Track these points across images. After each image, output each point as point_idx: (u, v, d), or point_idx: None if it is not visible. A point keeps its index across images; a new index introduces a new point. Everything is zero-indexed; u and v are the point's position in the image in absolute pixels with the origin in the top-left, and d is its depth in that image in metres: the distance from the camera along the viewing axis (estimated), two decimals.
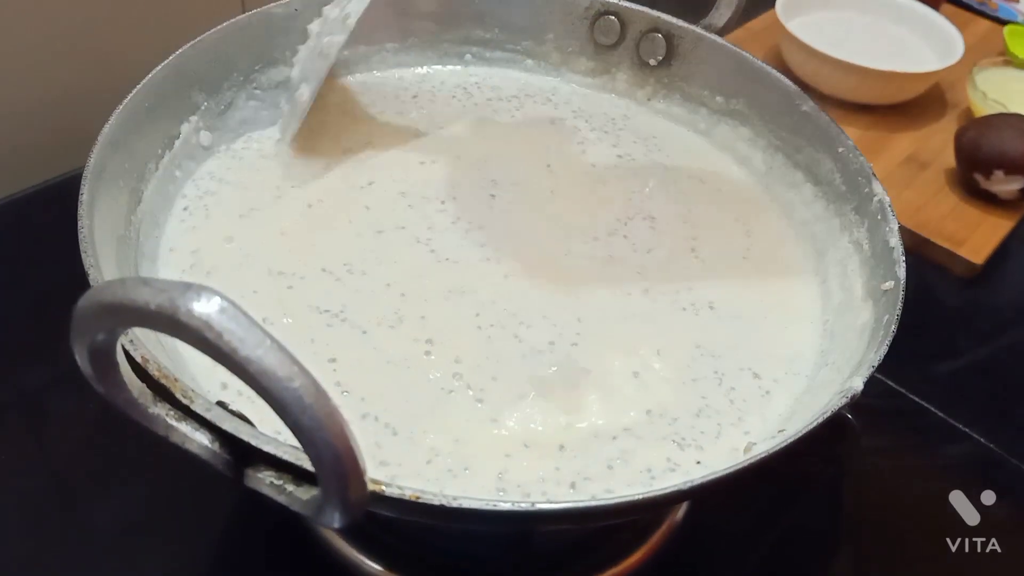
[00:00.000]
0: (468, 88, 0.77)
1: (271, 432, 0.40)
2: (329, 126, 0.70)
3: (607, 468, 0.50)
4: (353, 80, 0.75)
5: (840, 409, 0.46)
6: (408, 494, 0.38)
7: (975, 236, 0.97)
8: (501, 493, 0.48)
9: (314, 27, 0.68)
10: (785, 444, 0.44)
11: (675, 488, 0.42)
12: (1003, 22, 1.30)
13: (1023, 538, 0.69)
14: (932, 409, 0.78)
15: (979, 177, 0.99)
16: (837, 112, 0.67)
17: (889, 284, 0.55)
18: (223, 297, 0.29)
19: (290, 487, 0.39)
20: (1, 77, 0.83)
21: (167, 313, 0.28)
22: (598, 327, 0.58)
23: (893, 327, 0.51)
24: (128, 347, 0.40)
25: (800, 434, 0.44)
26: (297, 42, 0.69)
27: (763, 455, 0.43)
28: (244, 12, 0.66)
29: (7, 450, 0.65)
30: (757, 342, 0.59)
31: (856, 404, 0.47)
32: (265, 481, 0.39)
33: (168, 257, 0.58)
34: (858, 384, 0.48)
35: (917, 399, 0.78)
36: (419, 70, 0.77)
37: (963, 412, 0.78)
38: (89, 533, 0.62)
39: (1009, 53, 1.18)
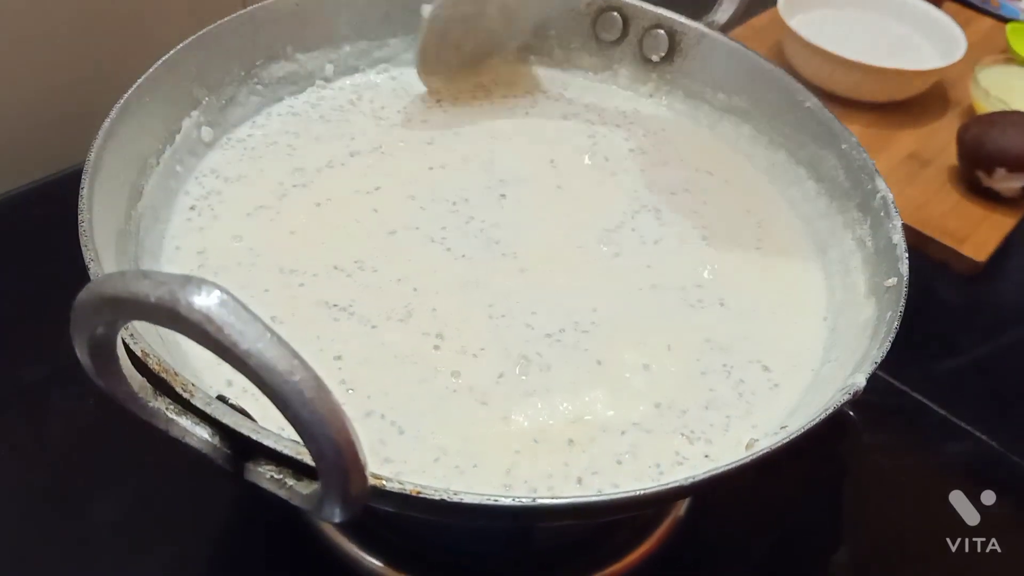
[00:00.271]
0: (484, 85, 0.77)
1: (275, 428, 0.40)
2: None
3: (616, 463, 0.50)
4: (355, 81, 0.75)
5: (843, 405, 0.46)
6: (409, 488, 0.38)
7: (977, 234, 0.97)
8: (507, 489, 0.48)
9: None
10: (787, 440, 0.44)
11: (676, 484, 0.42)
12: (1005, 20, 1.30)
13: (1023, 538, 0.68)
14: (933, 407, 0.78)
15: (981, 175, 0.99)
16: (839, 109, 0.67)
17: (892, 281, 0.55)
18: (223, 290, 0.29)
19: (290, 481, 0.38)
20: (1, 73, 0.82)
21: (167, 306, 0.28)
22: (609, 320, 0.58)
23: (896, 324, 0.51)
24: (128, 341, 0.40)
25: (803, 430, 0.44)
26: (297, 37, 0.69)
27: (765, 451, 0.43)
28: (245, 7, 0.66)
29: (6, 446, 0.65)
30: (767, 335, 0.59)
31: (857, 401, 0.47)
32: (265, 475, 0.39)
33: (174, 255, 0.58)
34: (861, 380, 0.47)
35: (918, 396, 0.78)
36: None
37: (964, 410, 0.78)
38: (88, 529, 0.61)
39: (1011, 51, 1.18)
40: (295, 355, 0.30)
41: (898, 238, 0.57)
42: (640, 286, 0.61)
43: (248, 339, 0.29)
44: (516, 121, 0.74)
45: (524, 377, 0.54)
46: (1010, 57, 1.16)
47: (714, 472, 0.42)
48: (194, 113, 0.63)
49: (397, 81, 0.75)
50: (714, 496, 0.67)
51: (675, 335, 0.58)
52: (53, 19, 0.83)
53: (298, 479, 0.38)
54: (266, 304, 0.55)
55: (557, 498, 0.45)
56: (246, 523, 0.64)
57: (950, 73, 1.13)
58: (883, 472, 0.74)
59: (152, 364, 0.40)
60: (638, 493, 0.41)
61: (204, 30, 0.63)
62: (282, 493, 0.38)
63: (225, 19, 0.64)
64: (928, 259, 0.95)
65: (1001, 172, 0.97)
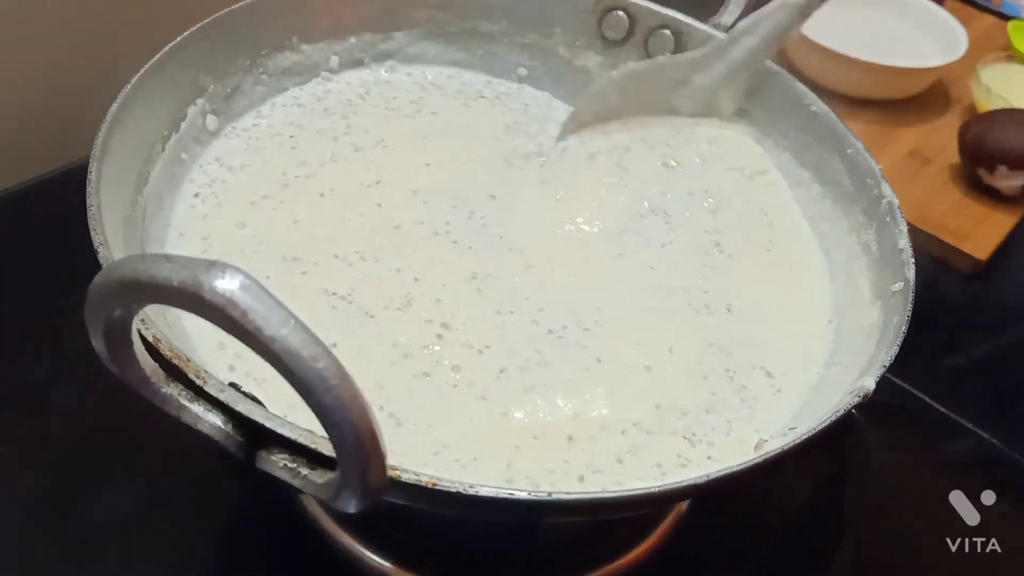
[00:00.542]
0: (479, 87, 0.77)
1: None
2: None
3: (616, 462, 0.50)
4: (362, 76, 0.74)
5: (852, 408, 0.46)
6: (424, 480, 0.38)
7: (978, 232, 0.97)
8: (510, 483, 0.48)
9: None
10: (798, 442, 0.44)
11: (691, 482, 0.42)
12: (1007, 17, 1.30)
13: (1023, 538, 0.68)
14: (935, 405, 0.78)
15: (983, 172, 0.99)
16: (840, 107, 0.67)
17: (899, 286, 0.55)
18: (246, 275, 0.28)
19: (304, 470, 0.38)
20: (3, 67, 0.82)
21: (190, 290, 0.28)
22: (613, 320, 0.58)
23: (904, 328, 0.51)
24: (139, 326, 0.40)
25: (813, 432, 0.44)
26: (303, 28, 0.69)
27: (776, 452, 0.43)
28: None
29: (7, 444, 0.65)
30: (771, 340, 0.59)
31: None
32: (278, 464, 0.38)
33: (178, 242, 0.57)
34: (870, 384, 0.48)
35: (920, 394, 0.78)
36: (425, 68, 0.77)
37: (966, 408, 0.78)
38: (88, 529, 0.61)
39: (1013, 49, 1.18)
40: (319, 341, 0.29)
41: (904, 243, 0.57)
42: (644, 286, 0.61)
43: (273, 324, 0.28)
44: (518, 120, 0.74)
45: (525, 373, 0.54)
46: (1011, 55, 1.16)
47: (728, 471, 0.42)
48: (199, 101, 0.62)
49: (410, 77, 0.75)
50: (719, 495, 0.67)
51: (679, 337, 0.58)
52: (52, 17, 0.83)
53: (312, 468, 0.38)
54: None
55: (572, 493, 0.45)
56: (248, 522, 0.64)
57: (951, 71, 1.13)
58: (884, 470, 0.74)
59: (164, 350, 0.40)
60: (654, 490, 0.41)
61: (210, 18, 0.62)
62: (296, 482, 0.38)
63: (232, 7, 0.64)
64: (929, 257, 0.95)
65: (1002, 170, 0.97)
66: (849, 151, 0.64)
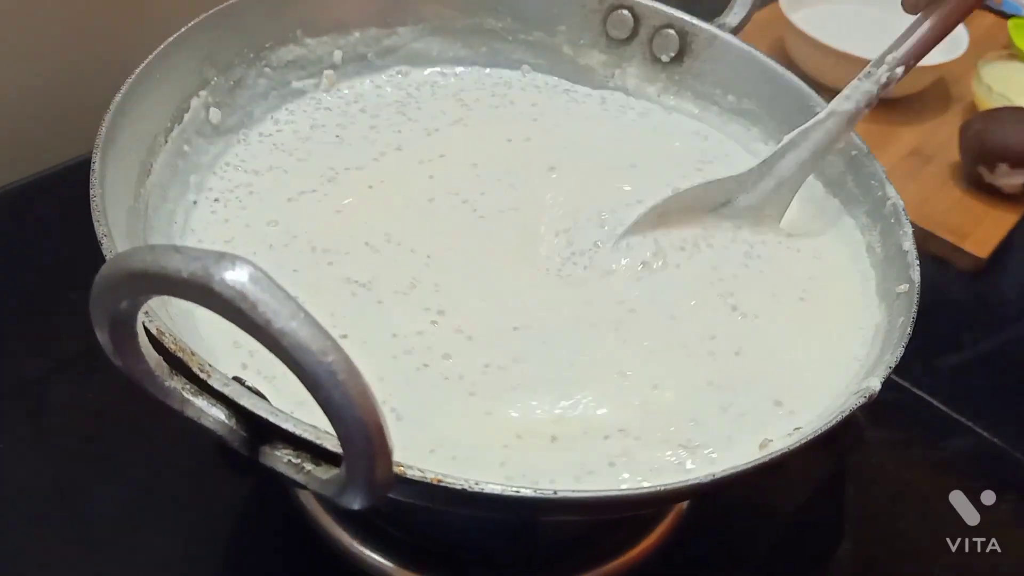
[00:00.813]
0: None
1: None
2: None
3: (608, 464, 0.49)
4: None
5: (857, 409, 0.46)
6: (430, 477, 0.38)
7: (979, 230, 0.97)
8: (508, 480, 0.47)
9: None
10: (803, 442, 0.44)
11: (694, 481, 0.41)
12: (1007, 16, 1.30)
13: (1023, 538, 0.69)
14: (935, 403, 0.78)
15: (983, 171, 0.99)
16: None
17: (904, 287, 0.55)
18: (256, 267, 0.28)
19: (308, 466, 0.38)
20: (3, 65, 0.82)
21: (200, 282, 0.27)
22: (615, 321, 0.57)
23: (909, 330, 0.51)
24: (143, 319, 0.39)
25: (818, 432, 0.44)
26: (307, 21, 0.69)
27: (782, 451, 0.43)
28: None
29: (6, 441, 0.65)
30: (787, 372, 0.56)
31: None
32: (282, 459, 0.38)
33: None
34: (876, 384, 0.47)
35: (920, 392, 0.78)
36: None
37: (966, 406, 0.78)
38: (88, 524, 0.61)
39: (1014, 47, 1.18)
40: (328, 336, 0.29)
41: (909, 245, 0.57)
42: (648, 286, 0.60)
43: (282, 317, 0.28)
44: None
45: (512, 370, 0.53)
46: (1012, 53, 1.16)
47: (733, 471, 0.42)
48: (203, 93, 0.62)
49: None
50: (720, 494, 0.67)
51: (683, 338, 0.57)
52: (57, 9, 0.83)
53: (316, 464, 0.38)
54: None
55: (577, 491, 0.44)
56: (247, 521, 0.64)
57: (952, 69, 1.14)
58: (885, 469, 0.74)
59: (168, 343, 0.39)
60: (657, 489, 0.41)
61: (215, 9, 0.62)
62: (299, 478, 0.38)
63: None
64: (930, 255, 0.95)
65: (1003, 168, 0.97)
66: (853, 153, 0.65)
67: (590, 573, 0.63)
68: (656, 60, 0.75)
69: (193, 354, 0.39)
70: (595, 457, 0.49)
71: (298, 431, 0.37)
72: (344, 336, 0.52)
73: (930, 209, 0.98)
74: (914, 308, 0.52)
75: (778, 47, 1.17)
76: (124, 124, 0.52)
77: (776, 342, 0.57)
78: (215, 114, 0.63)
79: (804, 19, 1.14)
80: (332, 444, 0.37)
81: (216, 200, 0.61)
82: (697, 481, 0.41)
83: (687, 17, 0.73)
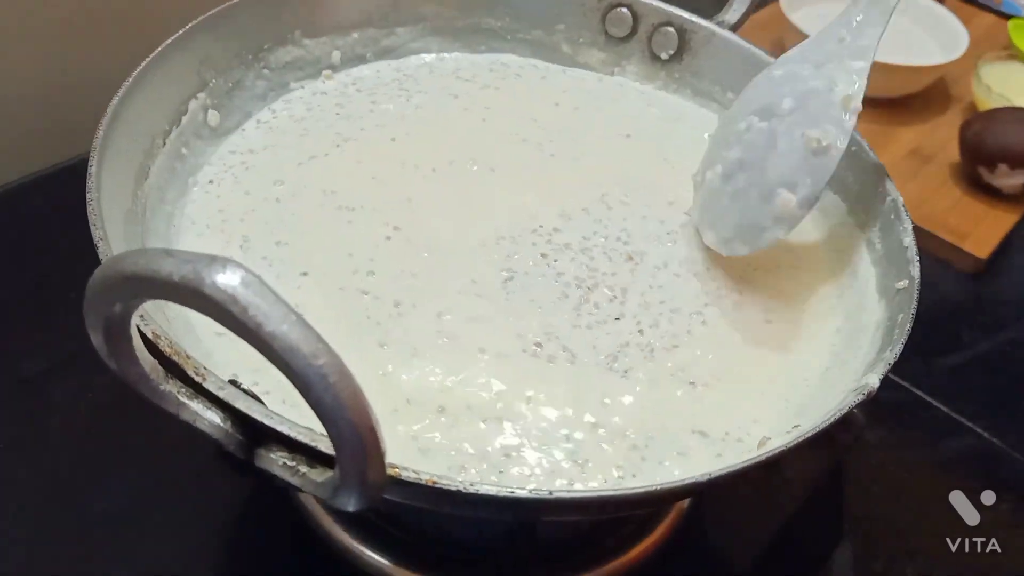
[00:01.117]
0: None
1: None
2: None
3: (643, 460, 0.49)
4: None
5: (856, 407, 0.46)
6: (425, 479, 0.37)
7: (979, 230, 0.97)
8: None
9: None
10: (801, 439, 0.43)
11: (693, 480, 0.41)
12: (1007, 16, 1.30)
13: (1023, 538, 0.68)
14: (934, 403, 0.78)
15: (983, 171, 0.99)
16: None
17: (904, 283, 0.55)
18: (247, 270, 0.28)
19: (303, 468, 0.38)
20: (2, 65, 0.82)
21: (192, 285, 0.28)
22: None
23: (908, 326, 0.50)
24: (138, 322, 0.39)
25: (816, 430, 0.44)
26: (305, 22, 0.69)
27: (780, 449, 0.43)
28: None
29: (5, 438, 0.65)
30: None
31: None
32: (278, 462, 0.38)
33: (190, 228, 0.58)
34: (874, 381, 0.47)
35: (920, 393, 0.78)
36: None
37: (966, 406, 0.78)
38: (88, 522, 0.61)
39: (1014, 47, 1.18)
40: (319, 338, 0.29)
41: (909, 241, 0.57)
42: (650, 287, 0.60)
43: (273, 321, 0.28)
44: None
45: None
46: (1012, 53, 1.16)
47: (731, 469, 0.41)
48: (201, 95, 0.62)
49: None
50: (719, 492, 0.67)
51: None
52: (55, 11, 0.83)
53: (311, 466, 0.38)
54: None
55: (574, 491, 0.44)
56: (246, 520, 0.64)
57: (952, 69, 1.14)
58: (884, 469, 0.74)
59: (163, 346, 0.39)
60: (655, 488, 0.41)
61: (213, 11, 0.62)
62: (295, 480, 0.38)
63: (234, 1, 0.64)
64: (930, 256, 0.94)
65: (1003, 168, 0.97)
66: (853, 149, 0.64)
67: (590, 573, 0.63)
68: (655, 58, 0.75)
69: (188, 357, 0.39)
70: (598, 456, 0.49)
71: (292, 433, 0.37)
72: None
73: (929, 209, 0.98)
74: (914, 304, 0.52)
75: (778, 47, 1.16)
76: (122, 127, 0.52)
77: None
78: (213, 116, 0.63)
79: (804, 19, 1.14)
80: (326, 446, 0.37)
81: (211, 182, 0.61)
82: (694, 480, 0.41)
83: (686, 14, 0.73)
